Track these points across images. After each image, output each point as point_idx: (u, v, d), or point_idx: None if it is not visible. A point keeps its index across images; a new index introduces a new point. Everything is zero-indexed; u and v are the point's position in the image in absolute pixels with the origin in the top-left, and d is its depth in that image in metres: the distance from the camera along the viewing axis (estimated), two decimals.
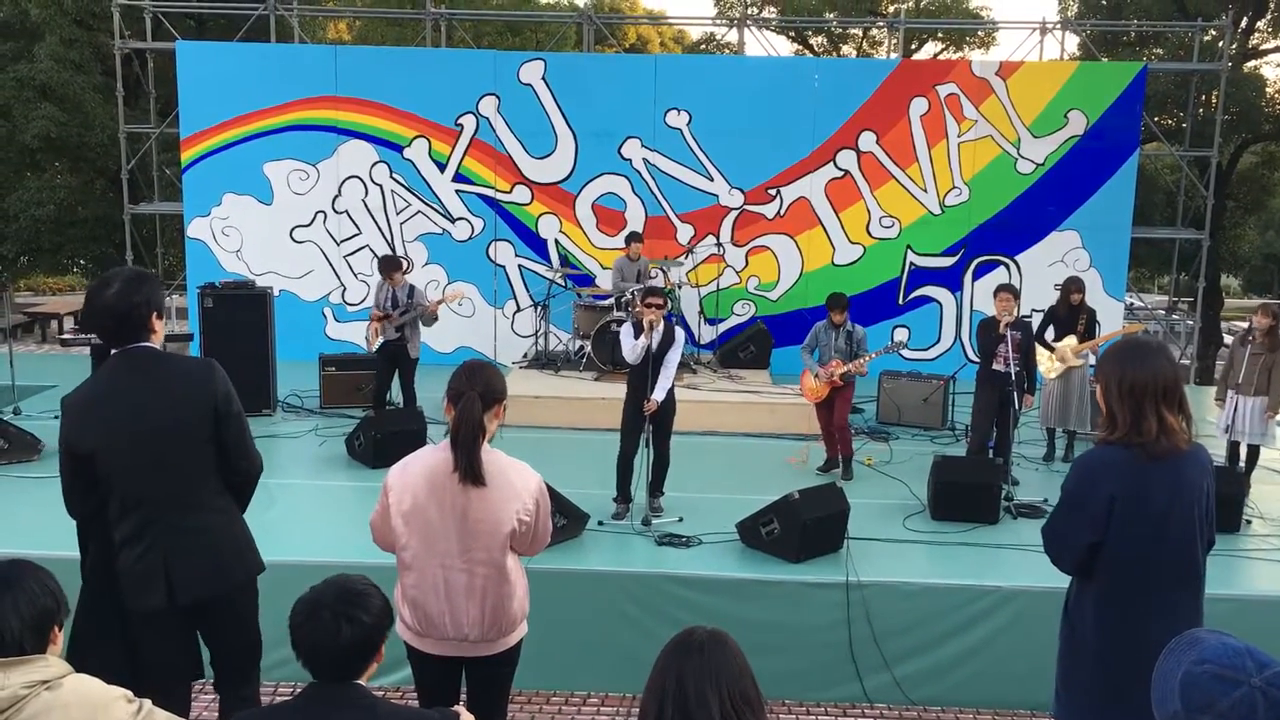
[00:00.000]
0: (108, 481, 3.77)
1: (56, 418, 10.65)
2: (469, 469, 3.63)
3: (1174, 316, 16.96)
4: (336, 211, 13.81)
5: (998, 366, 8.54)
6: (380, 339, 9.86)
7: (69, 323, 20.15)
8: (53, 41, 17.87)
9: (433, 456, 3.75)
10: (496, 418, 3.75)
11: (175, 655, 3.88)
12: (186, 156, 13.79)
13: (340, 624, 2.63)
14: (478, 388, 3.67)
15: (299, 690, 2.74)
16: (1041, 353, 9.48)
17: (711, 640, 2.40)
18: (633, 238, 12.12)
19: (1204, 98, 18.48)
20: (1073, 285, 9.56)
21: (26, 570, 2.64)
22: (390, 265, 9.99)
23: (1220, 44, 16.31)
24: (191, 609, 3.84)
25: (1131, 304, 15.91)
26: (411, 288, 9.98)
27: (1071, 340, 9.44)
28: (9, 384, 10.80)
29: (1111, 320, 12.82)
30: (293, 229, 13.80)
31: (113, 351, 3.82)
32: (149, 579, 3.76)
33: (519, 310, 13.92)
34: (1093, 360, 10.19)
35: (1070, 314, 9.51)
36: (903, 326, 13.76)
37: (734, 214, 13.68)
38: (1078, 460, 3.49)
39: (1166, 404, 3.27)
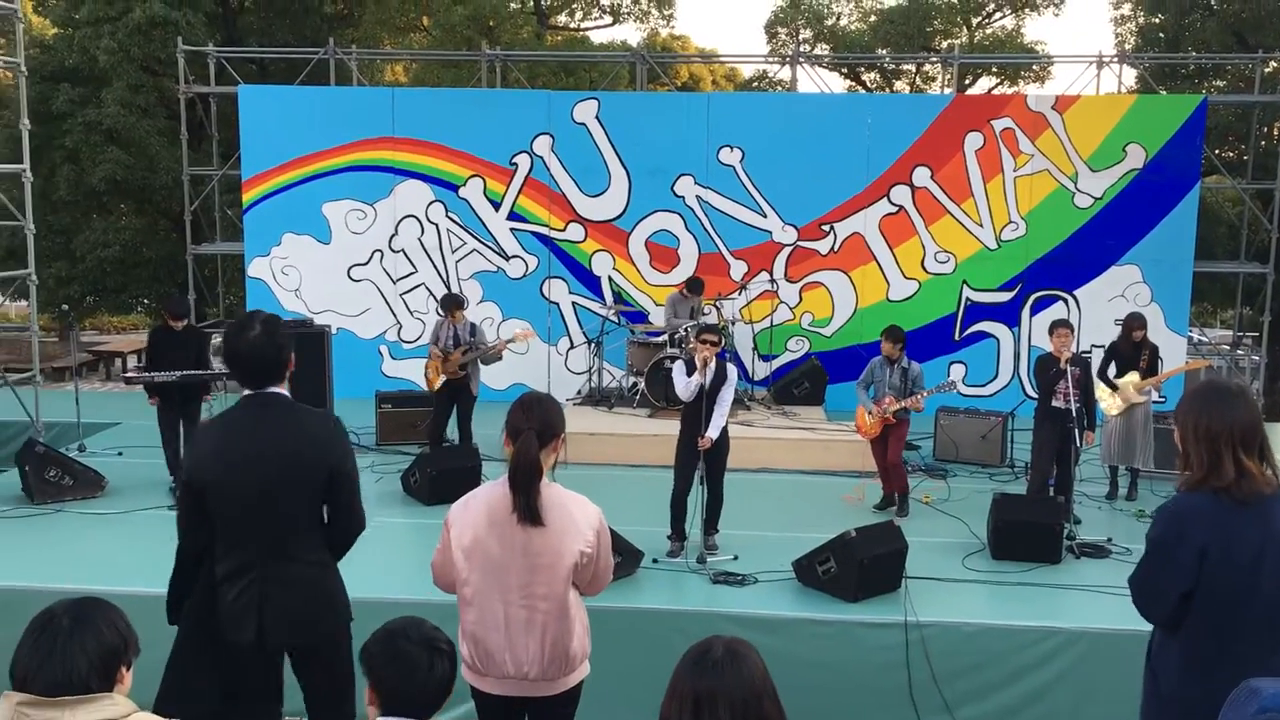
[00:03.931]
0: (217, 518, 3.86)
1: (119, 455, 10.85)
2: (527, 509, 3.63)
3: (1239, 352, 16.61)
4: (393, 250, 13.98)
5: (1057, 403, 8.39)
6: (442, 378, 9.90)
7: (132, 361, 20.53)
8: (120, 87, 18.33)
9: (493, 492, 3.75)
10: (554, 452, 3.74)
11: (262, 686, 3.96)
12: (248, 197, 14.05)
13: (432, 659, 2.64)
14: (534, 424, 3.67)
15: None
16: (1103, 389, 9.32)
17: (728, 656, 2.29)
18: (694, 286, 12.04)
19: (1266, 130, 18.20)
20: (1134, 322, 9.40)
21: (98, 609, 2.65)
22: (452, 303, 10.06)
23: None
24: (280, 650, 3.93)
25: (1195, 339, 15.62)
26: (473, 325, 10.05)
27: (1134, 377, 9.26)
28: (74, 421, 11.01)
29: (1174, 356, 12.58)
30: (350, 268, 13.98)
31: (245, 393, 3.91)
32: (243, 617, 3.84)
33: (573, 347, 13.96)
34: (1156, 396, 10.02)
35: (1133, 350, 9.34)
36: (959, 362, 13.60)
37: (787, 250, 13.65)
38: (1163, 508, 3.39)
39: (1245, 449, 3.18)
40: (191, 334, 9.40)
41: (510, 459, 3.68)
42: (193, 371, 9.06)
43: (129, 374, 11.65)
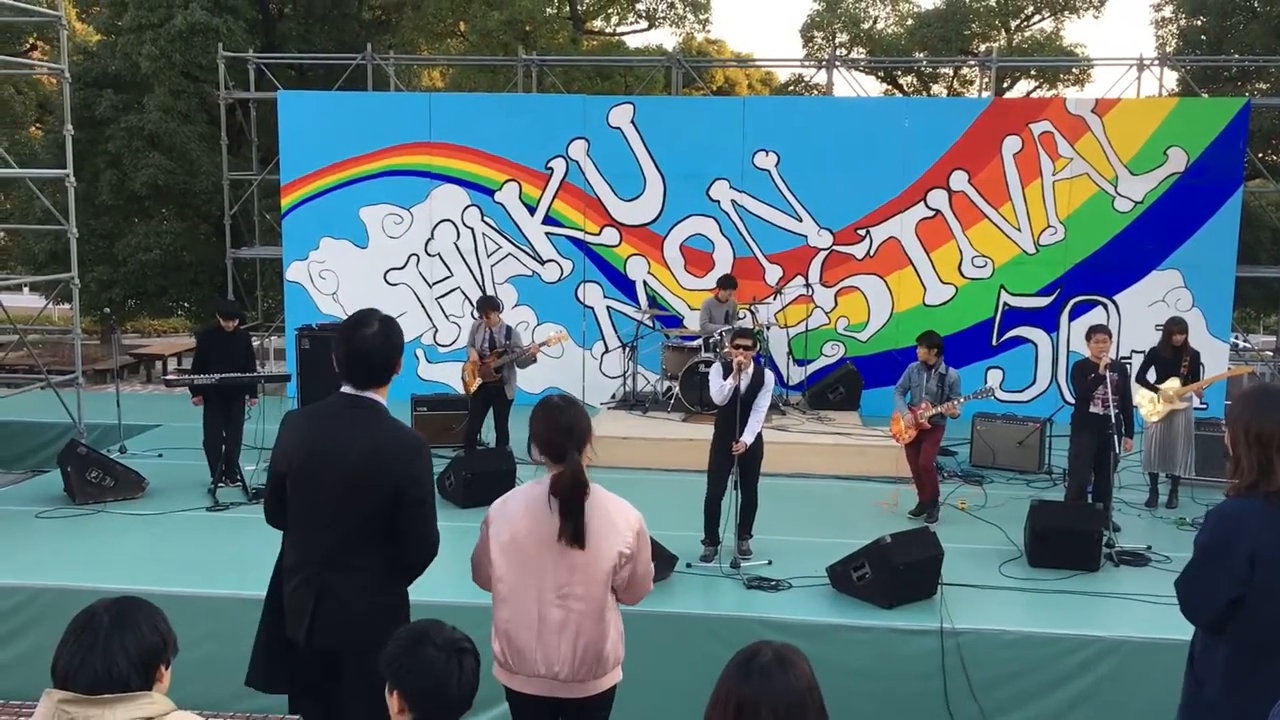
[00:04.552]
0: (290, 506, 3.88)
1: (160, 456, 10.98)
2: (575, 535, 3.66)
3: None
4: (429, 254, 14.06)
5: (1095, 409, 8.31)
6: (478, 381, 9.94)
7: (173, 364, 20.77)
8: (161, 93, 18.58)
9: (532, 491, 3.77)
10: (587, 458, 3.77)
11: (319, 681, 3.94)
12: (286, 202, 14.19)
13: (461, 662, 2.64)
14: (574, 442, 3.69)
15: None
16: (1144, 395, 9.22)
17: (776, 663, 2.26)
18: (726, 282, 12.06)
19: None
20: (1175, 326, 9.28)
21: (138, 609, 2.68)
22: (489, 306, 10.10)
23: None
24: (326, 658, 3.86)
25: (1237, 345, 15.40)
26: (509, 329, 10.08)
27: (1175, 383, 9.15)
28: (115, 423, 11.16)
29: (1216, 362, 12.42)
30: (387, 271, 14.08)
31: (343, 389, 3.85)
32: (299, 613, 3.84)
33: (607, 351, 13.98)
34: (1197, 403, 9.89)
35: (1174, 355, 9.22)
36: (996, 368, 13.49)
37: (823, 254, 13.60)
38: (1213, 512, 3.34)
39: None
40: (240, 336, 9.52)
41: (557, 483, 3.67)
42: (231, 374, 9.17)
43: (169, 376, 11.79)
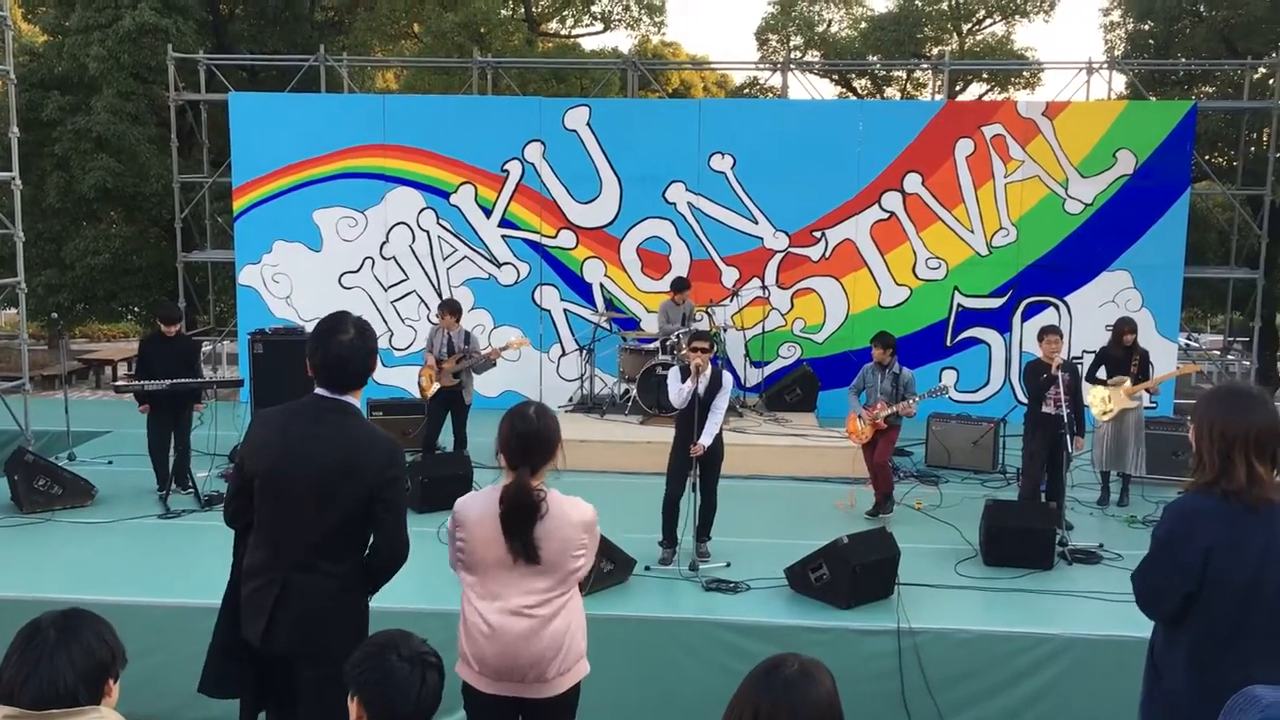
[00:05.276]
0: (257, 508, 3.82)
1: (109, 463, 10.80)
2: (524, 550, 3.66)
3: (1229, 357, 16.66)
4: (384, 258, 13.96)
5: (1048, 409, 8.41)
6: (436, 385, 9.87)
7: (122, 369, 20.45)
8: (109, 94, 18.28)
9: (489, 501, 3.75)
10: (552, 463, 3.78)
11: (283, 689, 3.87)
12: (238, 205, 14.03)
13: (424, 674, 2.60)
14: (532, 460, 3.68)
15: None
16: (1095, 394, 9.33)
17: (800, 676, 2.25)
18: (679, 284, 12.08)
19: (1255, 135, 18.27)
20: (1125, 326, 9.42)
21: (85, 621, 2.64)
22: (450, 309, 10.03)
23: (1271, 81, 16.13)
24: (286, 660, 3.81)
25: (1186, 344, 15.65)
26: (467, 334, 10.03)
27: (1125, 382, 9.28)
28: (64, 430, 10.96)
29: (1165, 361, 12.61)
30: (341, 275, 13.96)
31: (317, 391, 3.82)
32: (257, 615, 3.78)
33: (564, 354, 13.95)
34: (1147, 402, 10.03)
35: (1124, 355, 9.35)
36: (951, 368, 13.62)
37: (779, 256, 13.66)
38: (1169, 507, 3.38)
39: (1258, 455, 3.18)
40: (183, 341, 9.38)
41: (503, 500, 3.67)
42: (184, 380, 9.03)
43: (119, 382, 11.61)
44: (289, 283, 14.01)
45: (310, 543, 3.74)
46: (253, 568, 3.84)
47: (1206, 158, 17.06)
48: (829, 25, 25.23)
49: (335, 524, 3.74)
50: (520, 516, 3.65)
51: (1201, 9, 19.79)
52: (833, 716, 2.25)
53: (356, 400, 3.86)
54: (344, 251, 13.94)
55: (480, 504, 3.79)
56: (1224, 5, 18.95)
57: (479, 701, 3.86)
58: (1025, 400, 9.05)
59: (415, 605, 6.05)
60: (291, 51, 18.92)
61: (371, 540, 3.83)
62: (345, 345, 3.76)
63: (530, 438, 3.70)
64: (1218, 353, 17.02)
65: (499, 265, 13.91)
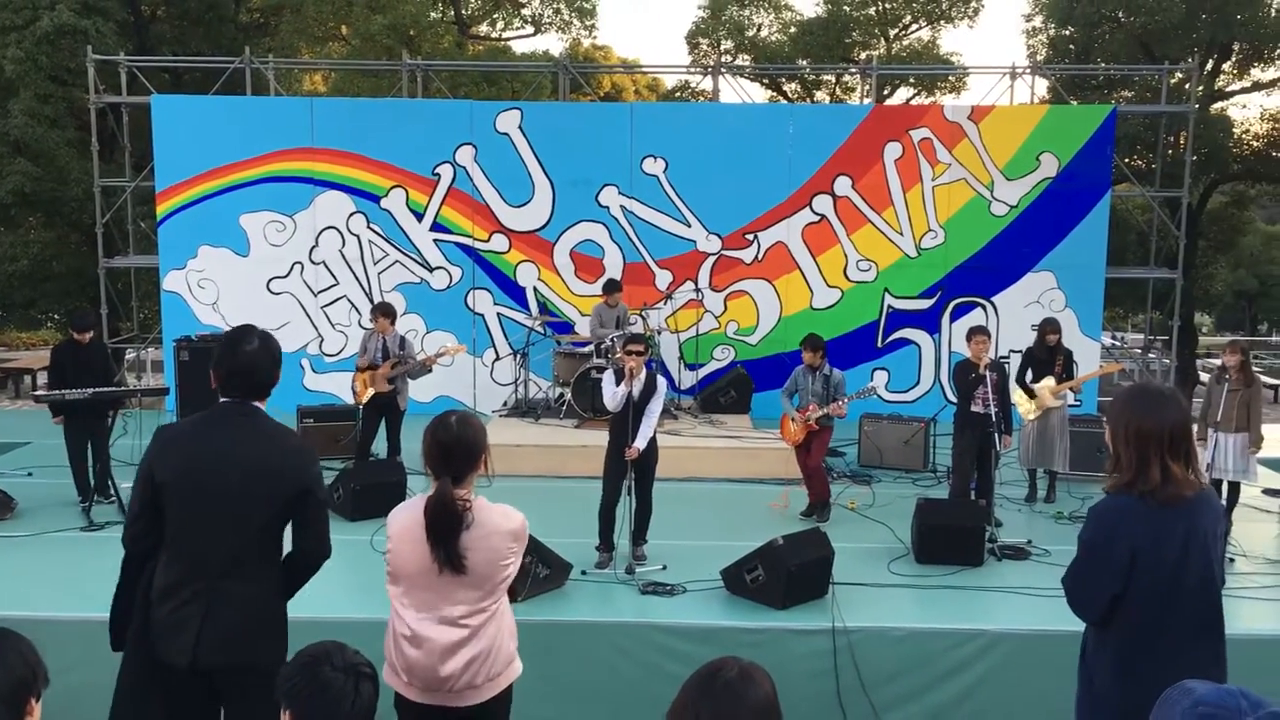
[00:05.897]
0: (169, 521, 3.69)
1: (29, 475, 10.51)
2: (448, 560, 3.61)
3: (1150, 355, 17.07)
4: (314, 262, 13.77)
5: (977, 408, 8.56)
6: (370, 391, 9.75)
7: (41, 378, 19.93)
8: (27, 97, 17.83)
9: (414, 512, 3.70)
10: (480, 470, 3.73)
11: (200, 716, 3.75)
12: (162, 209, 13.75)
13: (358, 685, 2.55)
14: (455, 469, 3.64)
15: None
16: (1021, 395, 9.51)
17: (740, 679, 2.26)
18: (611, 286, 12.08)
19: (1173, 139, 18.74)
20: (1049, 326, 9.62)
21: (5, 640, 2.55)
22: (384, 311, 9.91)
23: (1187, 86, 16.57)
24: (211, 678, 3.70)
25: (1108, 343, 16.00)
26: (402, 338, 9.92)
27: (1050, 381, 9.46)
28: None
29: (1089, 360, 12.88)
30: (269, 280, 13.75)
31: (223, 400, 3.80)
32: (180, 632, 3.65)
33: (498, 359, 13.88)
34: (1072, 400, 10.23)
35: (1048, 355, 9.54)
36: (882, 369, 13.78)
37: (712, 259, 13.72)
38: (1093, 510, 3.43)
39: (1172, 453, 3.24)
40: (97, 347, 9.16)
41: (427, 510, 3.63)
42: (104, 388, 8.82)
43: (39, 392, 11.31)
44: (215, 289, 13.76)
45: (231, 550, 3.66)
46: (168, 587, 3.69)
47: (1126, 161, 17.47)
48: (759, 30, 25.39)
49: (258, 527, 3.68)
50: (444, 526, 3.60)
51: (1120, 15, 20.25)
52: (773, 719, 2.26)
53: (262, 406, 3.85)
54: (272, 256, 13.72)
55: (405, 514, 3.75)
56: (1142, 11, 19.40)
57: (412, 711, 3.81)
58: (955, 399, 9.18)
59: (348, 615, 5.96)
60: (216, 53, 18.61)
61: (295, 540, 3.79)
62: (250, 356, 3.76)
63: (451, 446, 3.66)
64: (1139, 351, 17.42)
65: (431, 270, 13.80)
